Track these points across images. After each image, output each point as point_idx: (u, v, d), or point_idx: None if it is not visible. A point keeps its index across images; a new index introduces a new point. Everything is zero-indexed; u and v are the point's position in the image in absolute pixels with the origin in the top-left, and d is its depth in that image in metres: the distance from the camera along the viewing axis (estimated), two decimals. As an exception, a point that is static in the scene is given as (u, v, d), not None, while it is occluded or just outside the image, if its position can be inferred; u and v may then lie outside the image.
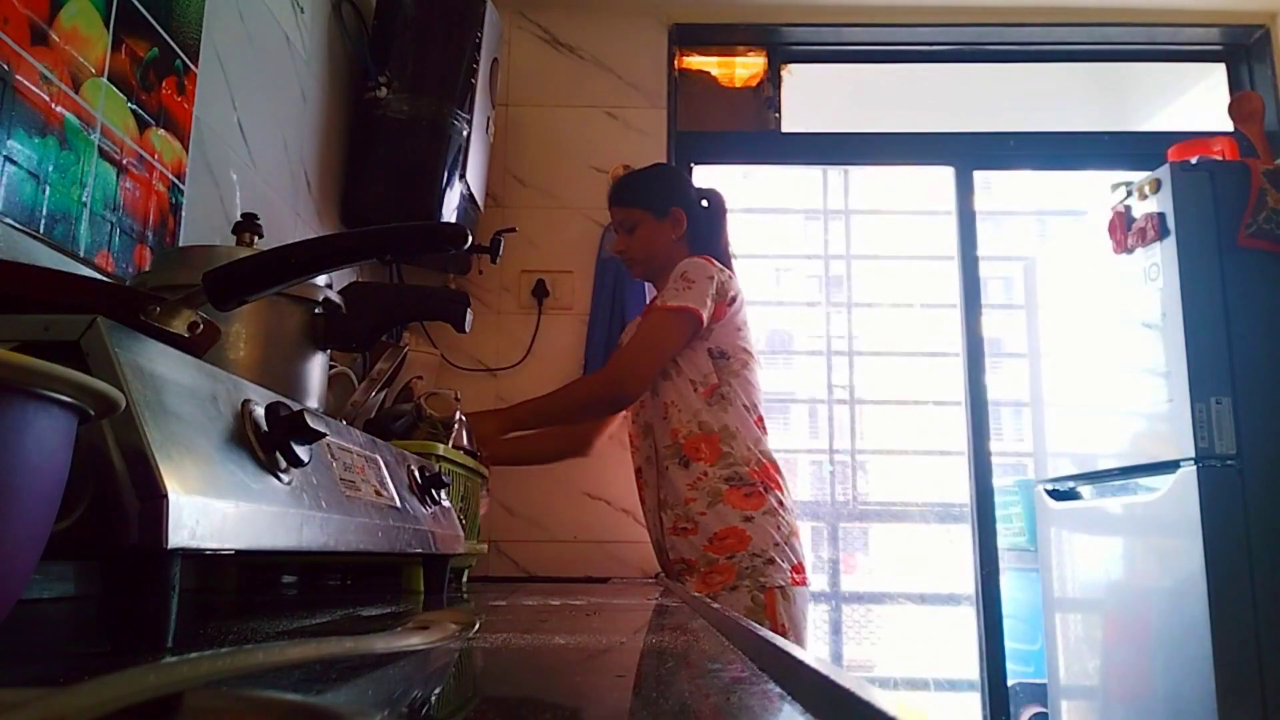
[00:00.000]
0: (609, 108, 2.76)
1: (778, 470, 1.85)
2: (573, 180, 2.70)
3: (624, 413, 2.02)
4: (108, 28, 1.12)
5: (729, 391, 1.83)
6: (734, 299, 1.89)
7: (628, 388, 1.82)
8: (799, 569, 1.79)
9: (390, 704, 0.39)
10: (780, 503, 1.80)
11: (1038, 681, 2.87)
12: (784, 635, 1.60)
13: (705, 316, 1.82)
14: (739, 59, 3.02)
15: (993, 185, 3.04)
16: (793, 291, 4.02)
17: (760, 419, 1.88)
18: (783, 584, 1.73)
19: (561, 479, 2.38)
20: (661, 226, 1.96)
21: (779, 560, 1.74)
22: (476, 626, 0.54)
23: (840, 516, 3.70)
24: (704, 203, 2.04)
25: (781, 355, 3.96)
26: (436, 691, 0.45)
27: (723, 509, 1.76)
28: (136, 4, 1.18)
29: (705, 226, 2.01)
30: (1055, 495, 2.72)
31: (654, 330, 1.84)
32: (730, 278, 1.90)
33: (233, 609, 0.99)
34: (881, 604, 3.76)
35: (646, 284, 2.61)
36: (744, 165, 3.27)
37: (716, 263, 1.90)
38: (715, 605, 1.32)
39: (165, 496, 0.45)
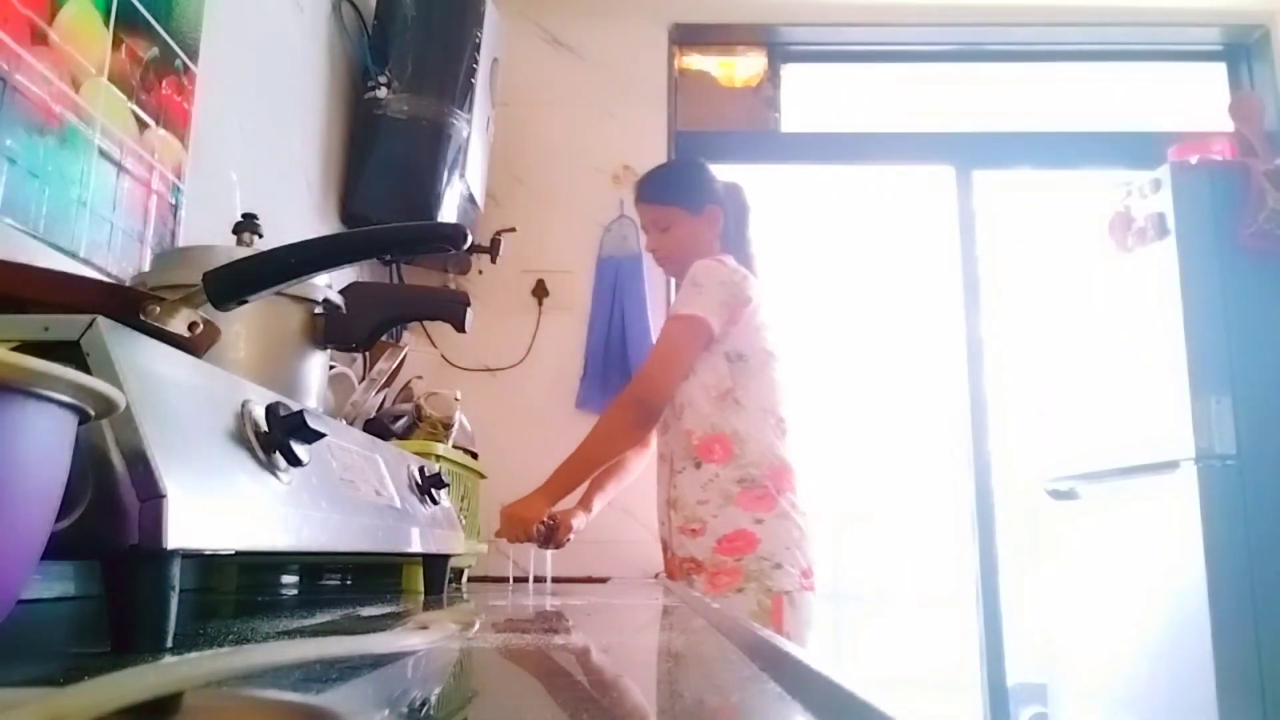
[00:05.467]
0: (609, 108, 2.76)
1: (792, 474, 1.81)
2: (573, 180, 2.70)
3: None
4: (108, 28, 1.12)
5: (743, 395, 1.80)
6: (749, 300, 1.83)
7: (651, 401, 1.80)
8: (807, 574, 1.76)
9: (390, 704, 0.39)
10: (793, 505, 1.77)
11: (1037, 681, 2.87)
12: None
13: (716, 325, 1.79)
14: (739, 59, 3.02)
15: (993, 186, 3.04)
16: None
17: (780, 420, 1.83)
18: (790, 589, 1.71)
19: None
20: (698, 223, 1.90)
21: (787, 565, 1.71)
22: (476, 626, 0.54)
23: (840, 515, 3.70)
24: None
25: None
26: (436, 691, 0.45)
27: (733, 511, 1.74)
28: (136, 4, 1.18)
29: (731, 224, 1.96)
30: (1055, 495, 2.72)
31: (668, 340, 1.83)
32: (745, 278, 1.85)
33: (233, 609, 0.99)
34: (881, 603, 3.76)
35: (646, 285, 2.62)
36: (743, 165, 3.27)
37: (730, 263, 1.86)
38: (715, 606, 1.32)
39: (165, 496, 0.45)
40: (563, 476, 1.79)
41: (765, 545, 1.71)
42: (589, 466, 1.84)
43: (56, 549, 0.39)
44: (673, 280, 2.74)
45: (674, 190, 1.92)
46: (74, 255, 1.05)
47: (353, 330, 0.93)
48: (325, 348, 0.93)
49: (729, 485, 1.75)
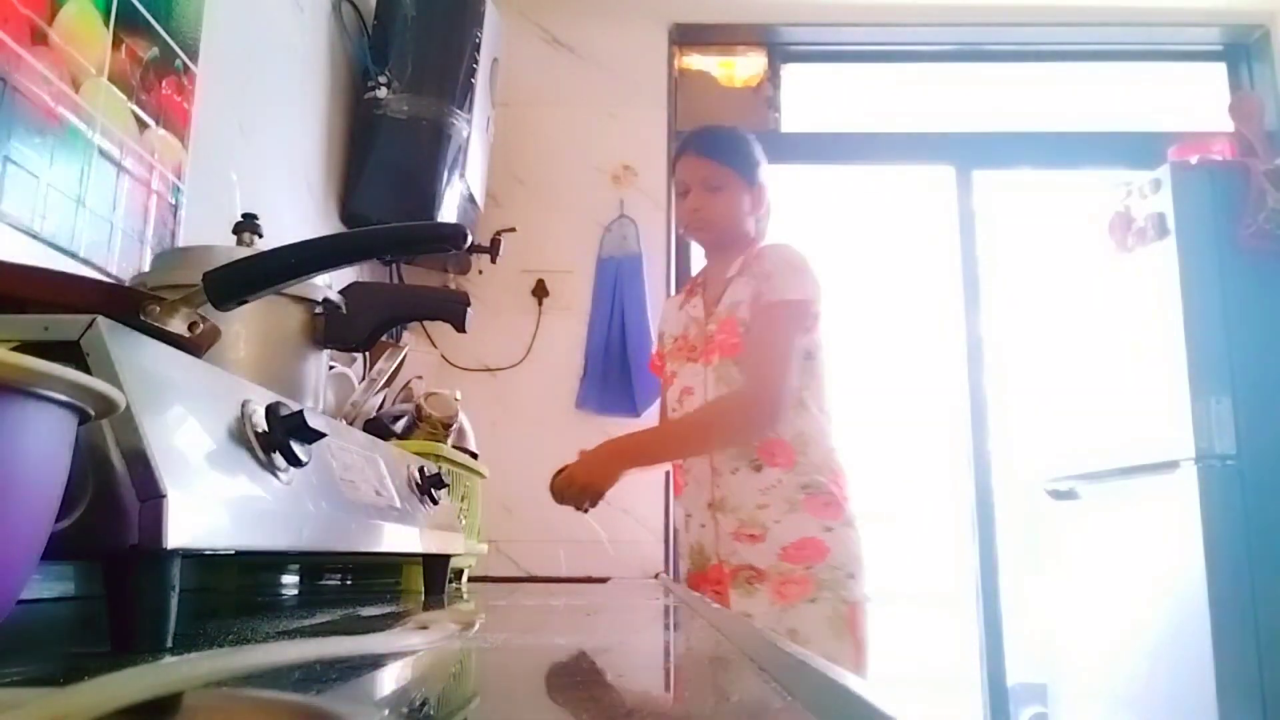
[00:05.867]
0: (609, 108, 2.76)
1: (847, 477, 1.70)
2: (573, 180, 2.71)
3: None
4: (108, 28, 1.12)
5: (807, 396, 1.66)
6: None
7: (776, 406, 1.60)
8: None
9: (390, 704, 0.39)
10: (855, 513, 1.67)
11: (1037, 681, 2.87)
12: (859, 651, 1.56)
13: (818, 313, 1.66)
14: (739, 59, 3.02)
15: (993, 186, 3.04)
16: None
17: (833, 421, 1.72)
18: (862, 599, 1.61)
19: (561, 479, 2.38)
20: (747, 196, 1.74)
21: (858, 575, 1.61)
22: (476, 626, 0.54)
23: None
24: None
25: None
26: (436, 691, 0.45)
27: (800, 518, 1.61)
28: (136, 4, 1.18)
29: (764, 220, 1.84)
30: (1055, 495, 2.72)
31: (781, 329, 1.62)
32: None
33: (233, 609, 0.99)
34: (881, 603, 3.75)
35: (646, 285, 2.62)
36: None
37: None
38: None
39: (165, 496, 0.45)
40: (649, 451, 1.70)
41: (836, 554, 1.60)
42: (680, 452, 1.71)
43: (56, 549, 0.39)
44: (672, 275, 2.76)
45: (734, 153, 1.75)
46: (74, 255, 1.05)
47: (353, 330, 0.93)
48: (325, 348, 0.93)
49: (793, 491, 1.62)
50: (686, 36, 2.92)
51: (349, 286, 0.97)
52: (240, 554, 0.58)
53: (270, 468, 0.59)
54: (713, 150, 1.75)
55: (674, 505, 1.87)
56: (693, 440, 1.68)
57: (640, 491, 2.40)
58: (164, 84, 1.25)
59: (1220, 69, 3.02)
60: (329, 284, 0.93)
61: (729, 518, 1.65)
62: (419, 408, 1.62)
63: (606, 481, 1.61)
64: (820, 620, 1.55)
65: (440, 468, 1.12)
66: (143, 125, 1.20)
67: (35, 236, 0.99)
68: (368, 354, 1.77)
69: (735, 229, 1.74)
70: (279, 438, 0.59)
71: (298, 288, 0.87)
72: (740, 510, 1.64)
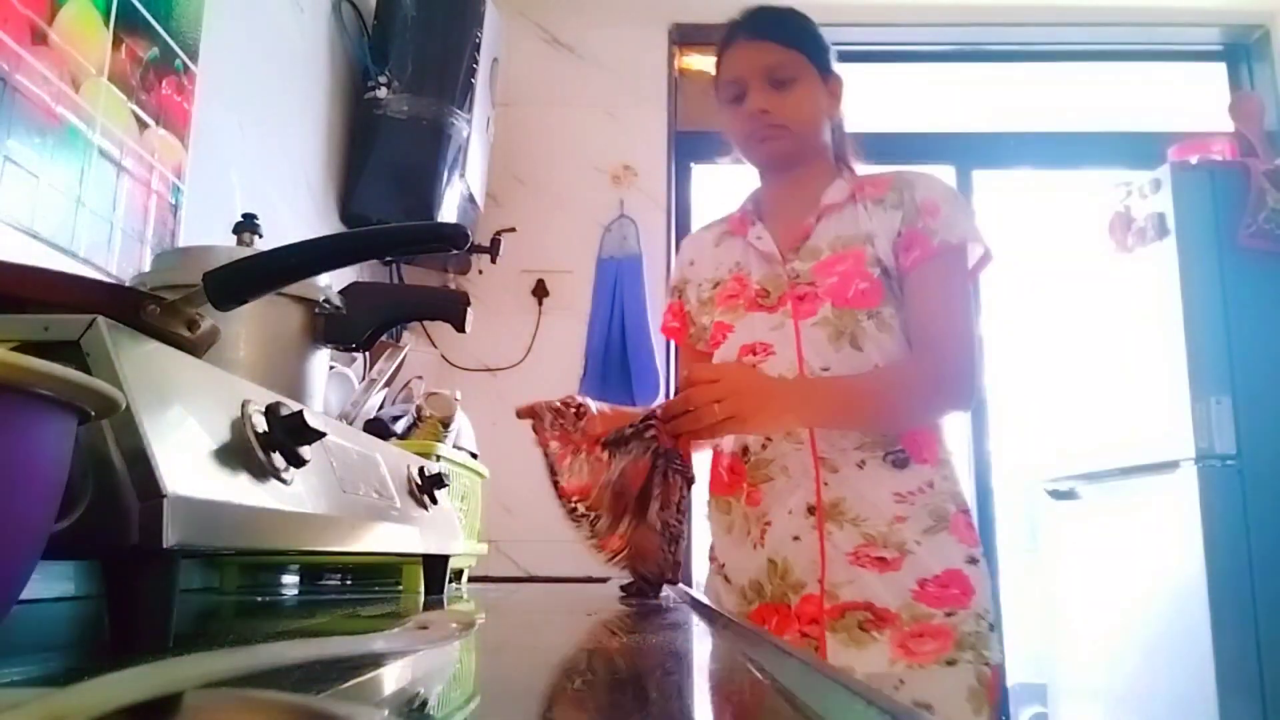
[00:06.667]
0: (609, 108, 2.76)
1: None
2: (573, 180, 2.71)
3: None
4: (108, 28, 1.12)
5: None
6: None
7: (977, 386, 1.21)
8: None
9: (390, 704, 0.39)
10: None
11: (1037, 682, 2.87)
12: None
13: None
14: (739, 59, 3.01)
15: (993, 186, 3.04)
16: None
17: None
18: (1001, 661, 1.20)
19: (561, 479, 2.38)
20: (823, 91, 1.30)
21: (997, 627, 1.20)
22: (476, 626, 0.54)
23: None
24: None
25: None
26: (436, 691, 0.45)
27: (945, 543, 1.17)
28: (136, 4, 1.18)
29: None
30: (1055, 495, 2.72)
31: (960, 286, 1.22)
32: None
33: (233, 609, 0.99)
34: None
35: (646, 285, 2.61)
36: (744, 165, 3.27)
37: None
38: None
39: (165, 496, 0.45)
40: (828, 410, 1.17)
41: (980, 598, 1.17)
42: (872, 420, 1.20)
43: (56, 549, 0.39)
44: (668, 258, 2.73)
45: (804, 34, 1.29)
46: (74, 255, 1.05)
47: (353, 330, 0.93)
48: (325, 347, 0.93)
49: (943, 502, 1.19)
50: (686, 36, 2.92)
51: (349, 286, 0.97)
52: (240, 554, 0.58)
53: (270, 467, 0.59)
54: (778, 32, 1.27)
55: (701, 504, 1.35)
56: (885, 413, 1.20)
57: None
58: (164, 84, 1.25)
59: (1220, 69, 3.02)
60: (329, 284, 0.93)
61: (847, 531, 1.16)
62: (419, 408, 1.62)
63: (763, 425, 1.16)
64: (958, 691, 1.12)
65: (440, 468, 1.12)
66: (143, 125, 1.20)
67: (35, 236, 0.99)
68: (368, 354, 1.77)
69: (816, 135, 1.30)
70: (279, 438, 0.59)
71: (298, 288, 0.87)
72: (868, 522, 1.16)
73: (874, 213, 1.25)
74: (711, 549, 1.34)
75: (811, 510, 1.18)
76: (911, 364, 1.19)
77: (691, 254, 1.42)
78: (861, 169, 1.38)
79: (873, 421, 1.20)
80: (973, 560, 1.19)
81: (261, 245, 0.94)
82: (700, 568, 2.21)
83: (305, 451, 0.62)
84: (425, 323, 2.44)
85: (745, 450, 1.25)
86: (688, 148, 2.86)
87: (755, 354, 1.23)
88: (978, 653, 1.13)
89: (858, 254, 1.22)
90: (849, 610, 1.14)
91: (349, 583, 1.50)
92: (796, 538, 1.18)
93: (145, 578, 0.47)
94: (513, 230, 2.46)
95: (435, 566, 1.11)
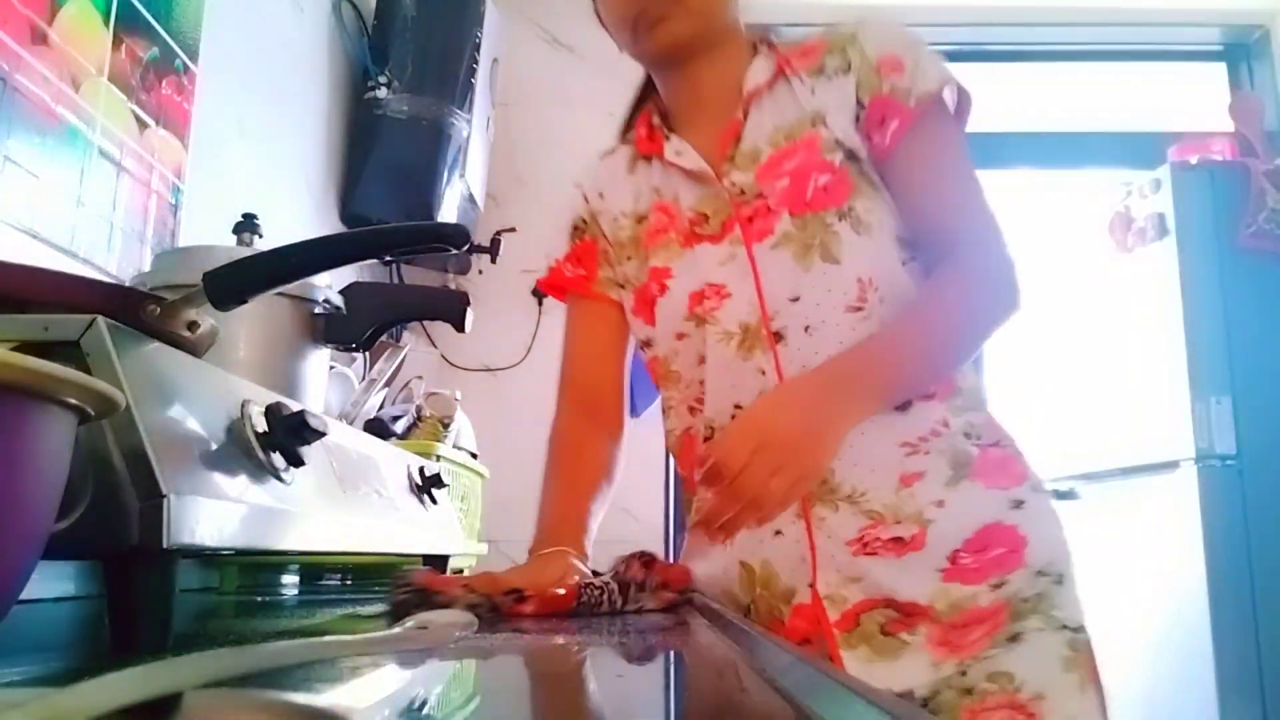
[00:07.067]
0: (609, 108, 2.75)
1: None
2: (573, 180, 2.70)
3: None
4: (108, 28, 1.12)
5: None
6: None
7: (1014, 260, 0.91)
8: None
9: (390, 704, 0.39)
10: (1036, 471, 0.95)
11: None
12: (1104, 702, 0.85)
13: None
14: (739, 59, 3.02)
15: (993, 186, 3.04)
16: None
17: None
18: (1083, 623, 0.88)
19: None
20: None
21: (1070, 575, 0.89)
22: (476, 626, 0.54)
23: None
24: None
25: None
26: (436, 691, 0.45)
27: (973, 492, 0.88)
28: (136, 4, 1.18)
29: None
30: (1055, 495, 2.72)
31: (962, 142, 0.96)
32: None
33: (233, 609, 0.99)
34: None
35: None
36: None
37: None
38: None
39: (165, 496, 0.45)
40: (899, 378, 0.87)
41: (1038, 547, 0.87)
42: (933, 368, 0.90)
43: (56, 549, 0.39)
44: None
45: None
46: (74, 255, 1.05)
47: (353, 330, 0.93)
48: (325, 348, 0.94)
49: (959, 442, 0.89)
50: (686, 36, 2.92)
51: (349, 286, 0.97)
52: (240, 554, 0.58)
53: (270, 468, 0.59)
54: None
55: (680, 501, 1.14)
56: (955, 338, 0.91)
57: (636, 485, 2.39)
58: (164, 84, 1.25)
59: (1220, 69, 3.02)
60: (329, 284, 0.93)
61: (844, 513, 0.87)
62: (419, 408, 1.62)
63: (832, 451, 0.82)
64: (1040, 667, 0.83)
65: (440, 468, 1.12)
66: (142, 125, 1.20)
67: (35, 236, 0.99)
68: (368, 354, 1.77)
69: (722, 8, 1.00)
70: (279, 438, 0.59)
71: (298, 288, 0.87)
72: (869, 495, 0.86)
73: (815, 85, 0.96)
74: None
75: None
76: (953, 272, 0.89)
77: (600, 184, 1.10)
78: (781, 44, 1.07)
79: (947, 362, 0.91)
80: (1018, 504, 0.88)
81: (261, 245, 0.94)
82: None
83: (305, 451, 0.62)
84: (425, 323, 2.44)
85: (708, 432, 0.95)
86: (688, 148, 2.86)
87: (705, 300, 0.93)
88: (1048, 616, 0.84)
89: (809, 141, 0.92)
90: (863, 613, 0.84)
91: (349, 583, 1.50)
92: (778, 532, 0.88)
93: (145, 578, 0.47)
94: (513, 230, 2.46)
95: (435, 567, 1.11)
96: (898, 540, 0.86)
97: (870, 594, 0.85)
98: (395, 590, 0.72)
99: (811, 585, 0.87)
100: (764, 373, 0.90)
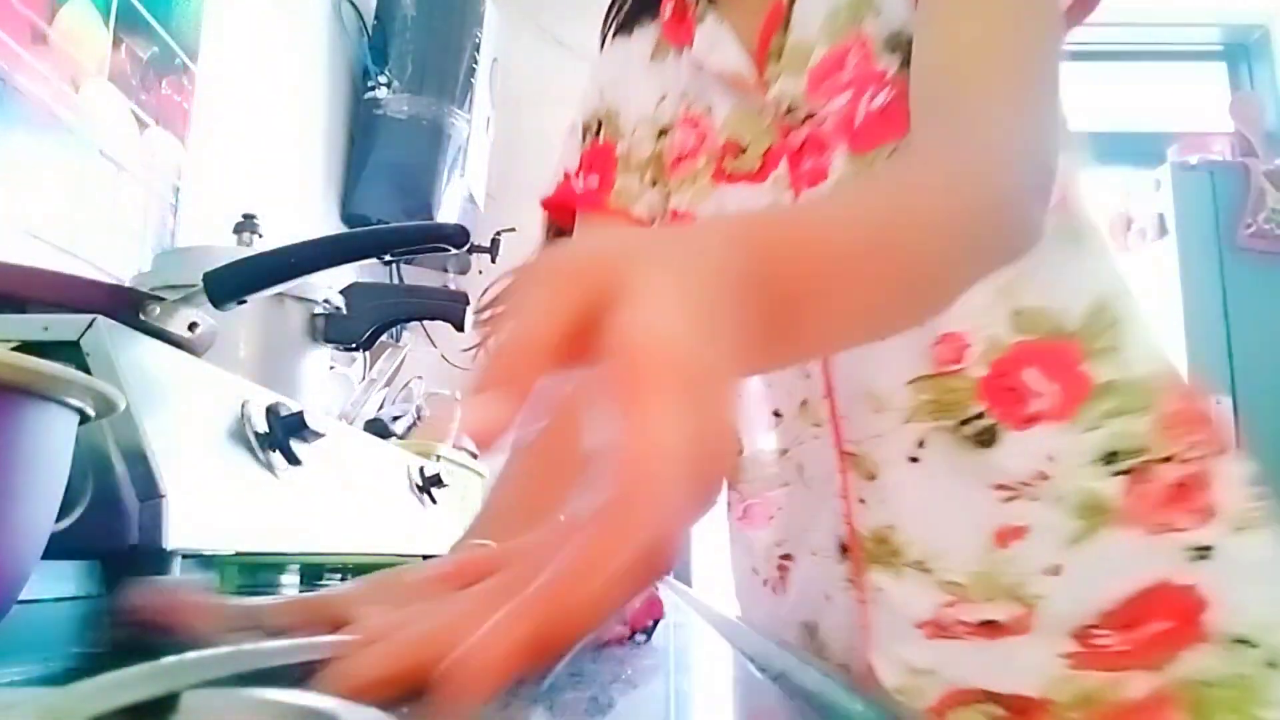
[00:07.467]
0: (609, 108, 2.76)
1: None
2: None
3: None
4: (108, 28, 1.12)
5: (1075, 193, 0.62)
6: None
7: (1048, 190, 0.47)
8: None
9: (390, 704, 0.39)
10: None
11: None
12: None
13: None
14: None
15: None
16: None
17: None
18: None
19: (561, 479, 2.38)
20: None
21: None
22: None
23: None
24: None
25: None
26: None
27: (1113, 544, 0.56)
28: (136, 4, 1.18)
29: None
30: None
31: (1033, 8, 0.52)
32: None
33: (233, 609, 0.99)
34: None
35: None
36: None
37: None
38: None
39: (165, 496, 0.45)
40: (851, 294, 0.36)
41: (1226, 611, 0.55)
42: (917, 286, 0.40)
43: (56, 549, 0.39)
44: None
45: None
46: (74, 255, 1.05)
47: (353, 330, 0.93)
48: (325, 348, 0.94)
49: (1089, 475, 0.57)
50: (686, 36, 2.92)
51: (349, 286, 0.97)
52: (240, 554, 0.58)
53: (270, 468, 0.59)
54: None
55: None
56: (934, 256, 0.39)
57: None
58: (164, 84, 1.25)
59: (1220, 69, 3.02)
60: (329, 284, 0.93)
61: (910, 581, 0.59)
62: (419, 408, 1.62)
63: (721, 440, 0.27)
64: None
65: (440, 468, 1.12)
66: (142, 125, 1.20)
67: (35, 236, 0.99)
68: (368, 354, 1.77)
69: None
70: (279, 438, 0.59)
71: (298, 288, 0.87)
72: (944, 560, 0.58)
73: None
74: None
75: (845, 550, 0.62)
76: (911, 156, 0.51)
77: (615, 69, 0.80)
78: None
79: (917, 298, 0.44)
80: (1201, 552, 0.56)
81: (261, 245, 0.94)
82: (700, 567, 2.21)
83: (305, 451, 0.62)
84: (425, 323, 2.44)
85: (785, 451, 0.69)
86: (688, 148, 2.86)
87: None
88: (1246, 714, 0.53)
89: (861, 38, 0.60)
90: (952, 708, 0.57)
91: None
92: (828, 596, 0.64)
93: (145, 578, 0.47)
94: (513, 230, 2.46)
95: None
96: (991, 625, 0.57)
97: (954, 684, 0.58)
98: (113, 625, 0.44)
99: (869, 667, 0.60)
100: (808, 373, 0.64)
